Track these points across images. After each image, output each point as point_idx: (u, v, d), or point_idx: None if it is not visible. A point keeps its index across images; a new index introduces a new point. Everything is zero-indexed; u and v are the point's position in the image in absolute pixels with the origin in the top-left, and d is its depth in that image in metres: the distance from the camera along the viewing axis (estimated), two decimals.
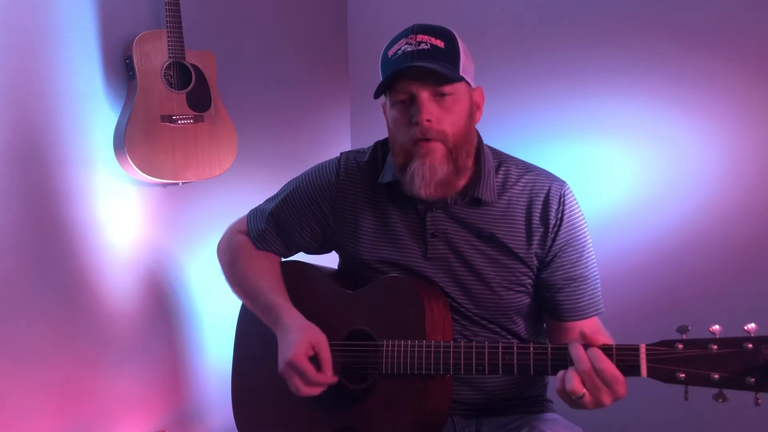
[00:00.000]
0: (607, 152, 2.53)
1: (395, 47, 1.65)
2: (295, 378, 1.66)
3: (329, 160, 1.90)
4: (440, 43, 1.63)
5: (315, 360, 1.67)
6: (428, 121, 1.61)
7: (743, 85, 2.26)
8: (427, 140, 1.62)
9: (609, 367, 1.39)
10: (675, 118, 2.39)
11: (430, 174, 1.62)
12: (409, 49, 1.62)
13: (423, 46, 1.62)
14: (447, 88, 1.62)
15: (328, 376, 1.66)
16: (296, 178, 1.93)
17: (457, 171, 1.66)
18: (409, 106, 1.64)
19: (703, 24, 2.33)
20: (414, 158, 1.64)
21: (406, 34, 1.65)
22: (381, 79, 1.67)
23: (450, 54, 1.63)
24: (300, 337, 1.67)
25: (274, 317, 1.77)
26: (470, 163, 1.70)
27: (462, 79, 1.63)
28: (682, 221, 2.39)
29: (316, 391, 1.67)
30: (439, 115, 1.62)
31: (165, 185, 2.58)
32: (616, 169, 2.52)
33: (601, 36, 2.52)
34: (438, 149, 1.63)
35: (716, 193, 2.33)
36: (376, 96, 1.69)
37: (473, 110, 1.69)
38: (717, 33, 2.30)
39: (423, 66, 1.59)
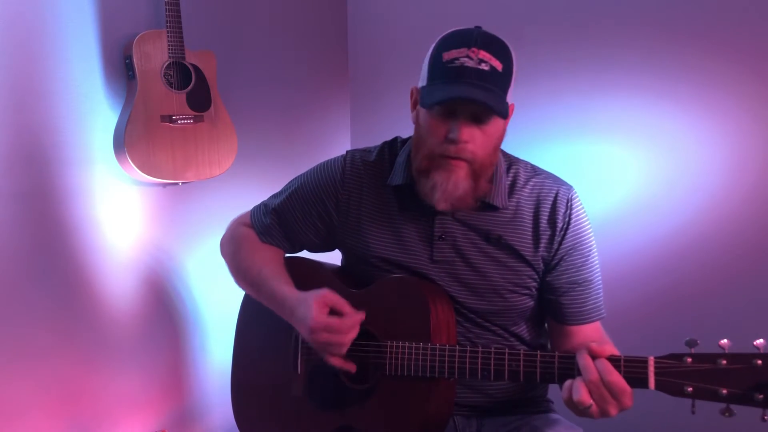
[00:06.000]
0: (608, 152, 2.54)
1: (454, 53, 1.58)
2: (326, 337, 1.63)
3: (335, 158, 1.88)
4: (499, 66, 1.58)
5: (335, 313, 1.65)
6: (465, 142, 1.59)
7: (745, 84, 2.27)
8: (457, 158, 1.61)
9: (617, 379, 1.40)
10: (676, 117, 2.39)
11: (452, 189, 1.62)
12: (468, 64, 1.55)
13: (483, 66, 1.56)
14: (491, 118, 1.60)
15: (354, 316, 1.64)
16: (301, 175, 1.92)
17: (476, 189, 1.65)
18: (447, 118, 1.60)
19: (704, 23, 2.33)
20: (438, 169, 1.62)
21: (467, 43, 1.58)
22: (423, 76, 1.64)
23: (505, 78, 1.60)
24: (309, 304, 1.65)
25: (280, 303, 1.76)
26: (487, 180, 1.68)
27: (506, 114, 1.60)
28: (683, 221, 2.40)
29: (352, 335, 1.63)
30: (476, 137, 1.59)
31: (165, 185, 2.58)
32: (617, 170, 2.52)
33: (601, 35, 2.52)
34: (463, 167, 1.61)
35: (718, 193, 2.34)
36: (429, 107, 1.62)
37: (503, 131, 1.68)
38: (719, 32, 2.30)
39: (477, 100, 1.54)
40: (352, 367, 1.68)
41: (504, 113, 1.58)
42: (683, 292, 2.40)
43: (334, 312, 1.65)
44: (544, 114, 2.66)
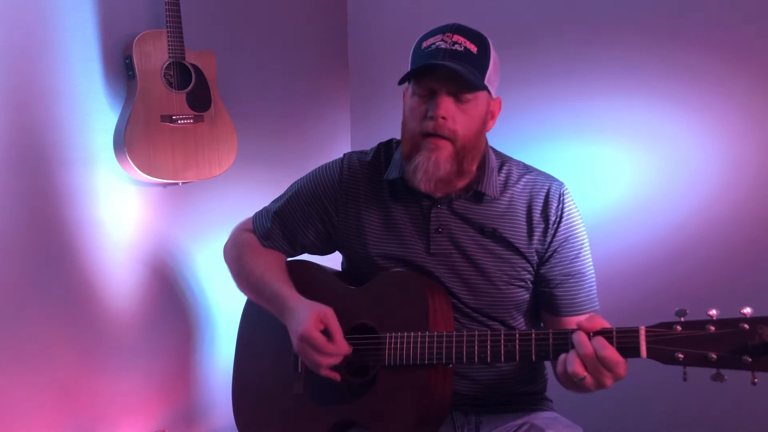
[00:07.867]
0: (606, 152, 2.54)
1: (430, 40, 1.68)
2: (310, 352, 1.67)
3: (333, 161, 1.93)
4: (473, 48, 1.66)
5: (326, 334, 1.67)
6: (443, 118, 1.64)
7: (743, 84, 2.27)
8: (437, 136, 1.66)
9: (611, 353, 1.41)
10: (674, 117, 2.40)
11: (433, 169, 1.67)
12: (442, 46, 1.64)
13: (457, 47, 1.64)
14: (468, 95, 1.66)
15: (341, 345, 1.67)
16: (301, 178, 1.96)
17: (459, 173, 1.70)
18: (427, 100, 1.67)
19: (703, 24, 2.34)
20: (420, 150, 1.67)
21: (443, 30, 1.68)
22: (408, 66, 1.70)
23: (480, 61, 1.66)
24: (308, 314, 1.69)
25: (281, 305, 1.78)
26: (474, 168, 1.73)
27: (484, 87, 1.67)
28: (681, 221, 2.40)
29: (333, 360, 1.67)
30: (455, 115, 1.66)
31: (165, 185, 2.59)
32: (615, 169, 2.52)
33: (600, 36, 2.54)
34: (445, 147, 1.66)
35: (715, 192, 2.34)
36: (400, 83, 1.73)
37: (487, 118, 1.73)
38: (717, 32, 2.31)
39: (449, 66, 1.62)
40: (336, 377, 1.69)
41: (480, 86, 1.65)
42: (682, 291, 2.39)
43: (326, 332, 1.68)
44: (544, 114, 2.68)
